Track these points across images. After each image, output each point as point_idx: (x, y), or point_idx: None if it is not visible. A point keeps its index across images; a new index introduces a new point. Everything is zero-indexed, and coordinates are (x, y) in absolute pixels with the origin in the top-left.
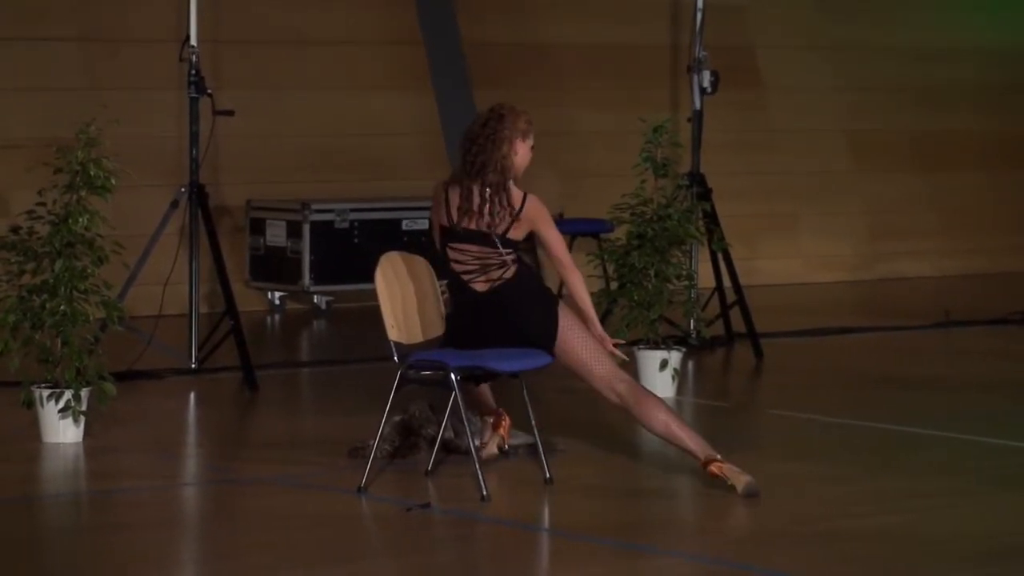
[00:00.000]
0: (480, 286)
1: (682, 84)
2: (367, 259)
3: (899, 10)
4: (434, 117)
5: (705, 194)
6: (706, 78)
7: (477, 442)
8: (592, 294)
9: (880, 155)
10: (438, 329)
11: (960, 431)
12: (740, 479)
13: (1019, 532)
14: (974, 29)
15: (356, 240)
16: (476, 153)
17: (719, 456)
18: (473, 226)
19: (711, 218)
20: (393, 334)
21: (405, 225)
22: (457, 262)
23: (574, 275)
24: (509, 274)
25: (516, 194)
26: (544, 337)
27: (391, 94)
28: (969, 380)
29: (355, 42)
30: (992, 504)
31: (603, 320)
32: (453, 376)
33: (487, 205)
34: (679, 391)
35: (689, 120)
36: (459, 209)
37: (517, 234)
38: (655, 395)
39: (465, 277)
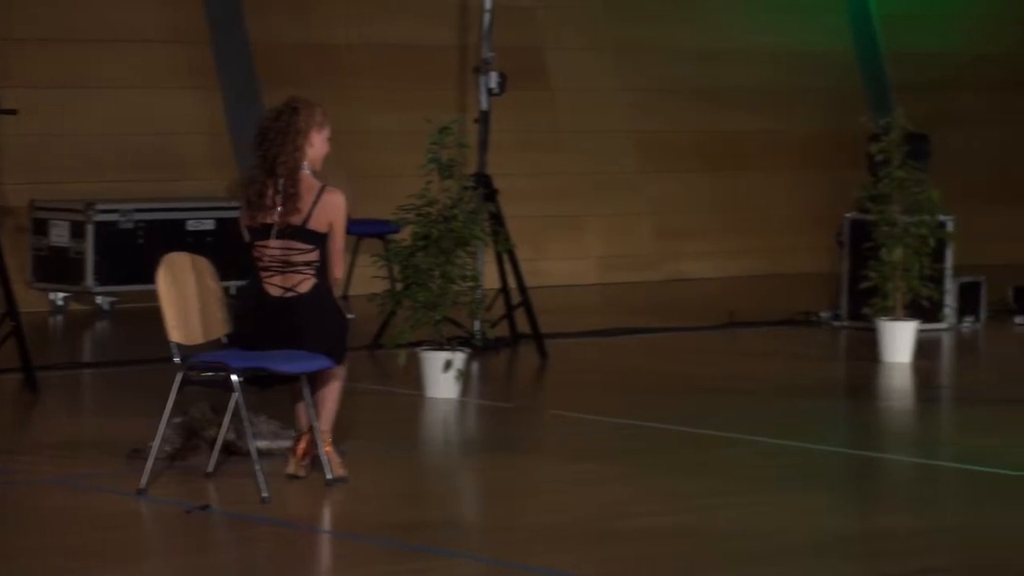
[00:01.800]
0: (274, 290)
1: (469, 85)
2: (152, 260)
3: (684, 12)
4: (221, 117)
5: (491, 195)
6: (493, 79)
7: (258, 443)
8: (377, 295)
9: (665, 156)
10: (221, 330)
11: (741, 432)
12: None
13: (795, 531)
14: (757, 32)
15: (141, 241)
16: (268, 147)
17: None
18: (270, 220)
19: (496, 219)
20: (174, 335)
21: (190, 226)
22: (259, 259)
23: (339, 268)
24: (304, 288)
25: (313, 184)
26: (327, 350)
27: (177, 93)
28: (751, 381)
29: (141, 41)
30: (770, 504)
31: (387, 322)
32: (234, 378)
33: (280, 196)
34: (463, 392)
35: (476, 121)
36: (254, 206)
37: (319, 225)
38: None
39: (264, 275)
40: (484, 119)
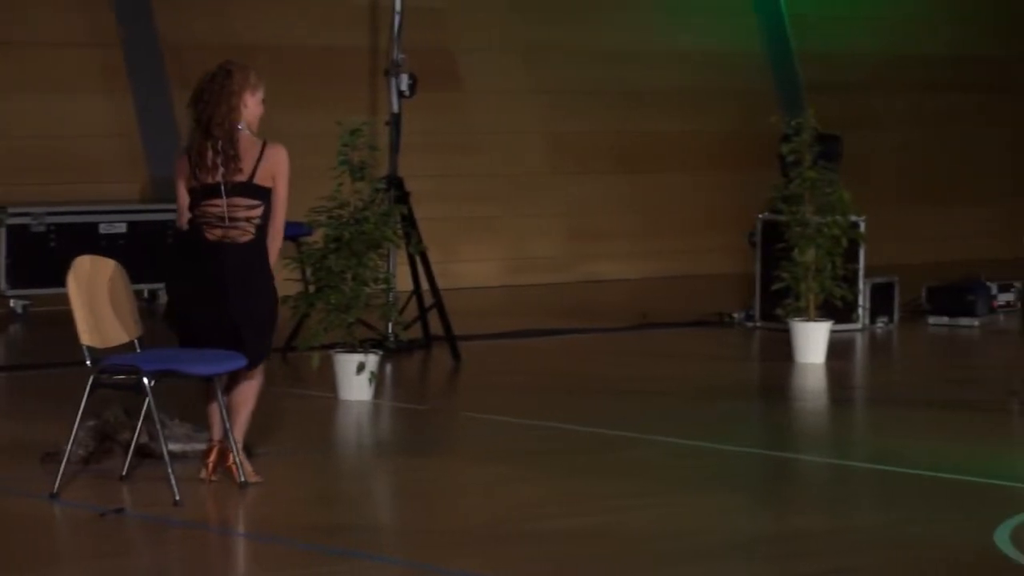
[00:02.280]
0: (212, 236)
1: (380, 87)
2: (64, 263)
3: (596, 13)
4: (132, 119)
5: (403, 197)
6: (404, 81)
7: (172, 446)
8: (290, 297)
9: (578, 157)
10: (132, 333)
11: (656, 433)
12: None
13: (711, 531)
14: (669, 33)
15: (53, 244)
16: (203, 109)
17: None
18: (211, 180)
19: (409, 221)
20: (86, 338)
21: (102, 229)
22: (201, 216)
23: (278, 240)
24: (244, 238)
25: (253, 142)
26: (249, 321)
27: (88, 96)
28: (665, 382)
29: (51, 43)
30: (684, 505)
31: (300, 324)
32: (146, 380)
33: (220, 157)
34: (376, 394)
35: (387, 123)
36: (196, 167)
37: (263, 180)
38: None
39: (204, 227)
40: (395, 121)
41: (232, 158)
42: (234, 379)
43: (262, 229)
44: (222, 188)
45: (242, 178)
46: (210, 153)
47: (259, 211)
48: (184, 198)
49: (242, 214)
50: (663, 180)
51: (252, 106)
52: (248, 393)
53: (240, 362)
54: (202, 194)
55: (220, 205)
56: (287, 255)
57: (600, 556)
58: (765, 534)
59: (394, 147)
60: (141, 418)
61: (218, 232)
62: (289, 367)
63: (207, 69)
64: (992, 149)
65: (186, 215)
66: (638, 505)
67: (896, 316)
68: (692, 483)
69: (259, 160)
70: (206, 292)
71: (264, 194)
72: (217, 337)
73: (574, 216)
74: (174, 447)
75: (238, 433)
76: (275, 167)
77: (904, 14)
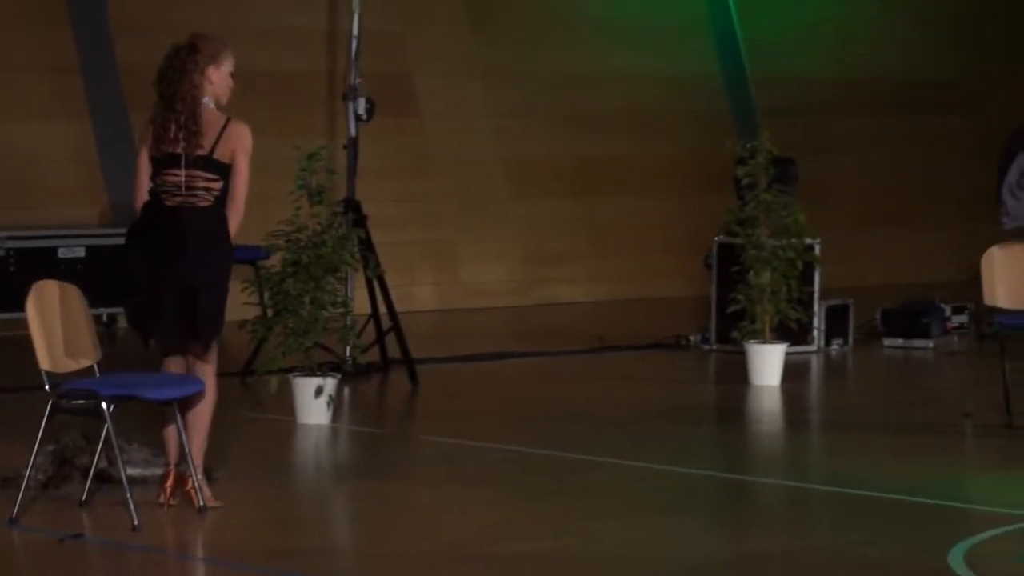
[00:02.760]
0: (171, 201)
1: (338, 111)
2: (23, 287)
3: (553, 37)
4: (91, 145)
5: (360, 221)
6: (361, 105)
7: (131, 471)
8: (248, 321)
9: (535, 181)
10: (91, 357)
11: (613, 456)
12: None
13: (669, 555)
14: (625, 57)
15: (12, 268)
16: (166, 84)
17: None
18: (172, 151)
19: (366, 245)
20: (44, 363)
21: (61, 253)
22: (162, 185)
23: (237, 218)
24: (203, 203)
25: (217, 117)
26: (206, 285)
27: (47, 122)
28: (622, 405)
29: (9, 69)
30: (644, 527)
31: (258, 348)
32: (104, 405)
33: (182, 132)
34: (334, 418)
35: (345, 147)
36: (159, 139)
37: (223, 155)
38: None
39: (163, 196)
40: (353, 145)
41: (194, 133)
42: (189, 397)
43: (221, 200)
44: (183, 159)
45: (203, 152)
46: (173, 127)
47: (218, 184)
48: (144, 165)
49: (201, 184)
50: (619, 203)
51: (217, 80)
52: (203, 409)
53: (198, 386)
54: (163, 163)
55: (179, 175)
56: (244, 278)
57: (563, 574)
58: (725, 556)
59: (352, 171)
60: (100, 443)
61: (177, 199)
62: (248, 391)
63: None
64: (945, 172)
65: (144, 185)
66: (598, 528)
67: (851, 338)
68: (651, 506)
69: (220, 136)
70: (164, 256)
71: (223, 169)
72: (171, 306)
73: (531, 240)
74: (133, 472)
75: (196, 456)
76: (235, 143)
77: (860, 38)
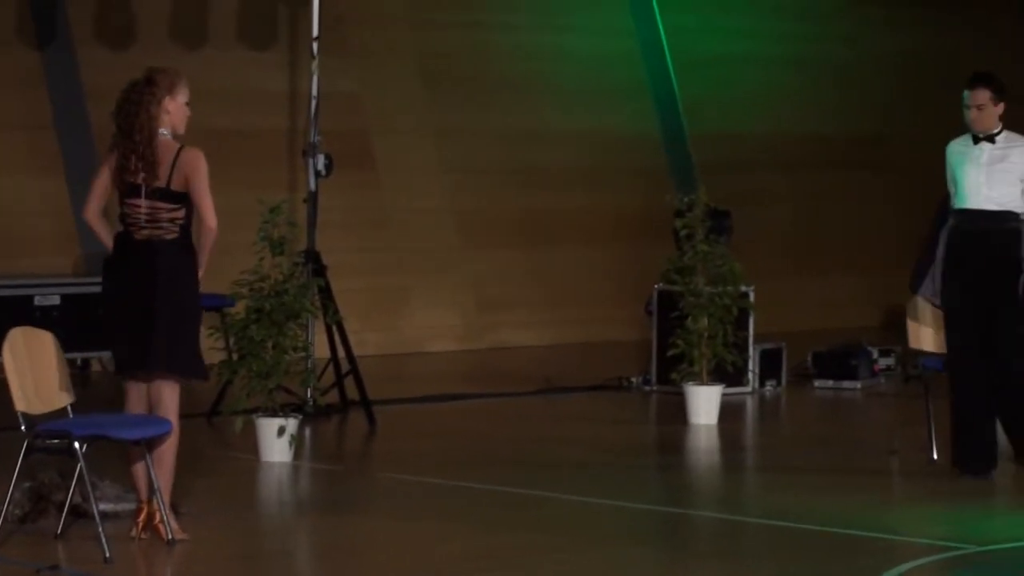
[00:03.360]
0: (140, 234)
1: (299, 167)
2: (0, 333)
3: (501, 97)
4: (65, 198)
5: (320, 270)
6: (321, 161)
7: (103, 506)
8: (214, 365)
9: (485, 232)
10: (64, 400)
11: (560, 491)
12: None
13: None
14: (570, 116)
15: None
16: (124, 116)
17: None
18: (136, 181)
19: (326, 293)
20: (20, 405)
21: (37, 301)
22: (128, 215)
23: (210, 233)
24: (169, 236)
25: (171, 147)
26: (171, 315)
27: (23, 176)
28: (569, 444)
29: None
30: (592, 558)
31: (224, 390)
32: (77, 445)
33: (141, 162)
34: (296, 456)
35: (305, 201)
36: (121, 169)
37: (178, 185)
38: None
39: (131, 228)
40: (312, 199)
41: (151, 164)
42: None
43: (186, 228)
44: (143, 190)
45: (160, 184)
46: (132, 157)
47: (180, 212)
48: (102, 182)
49: (165, 216)
50: (565, 253)
51: (174, 110)
52: (167, 448)
53: (166, 426)
54: (126, 193)
55: (141, 205)
56: (210, 324)
57: None
58: None
59: (312, 223)
60: (74, 480)
61: (145, 232)
62: (214, 430)
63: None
64: (871, 223)
65: (96, 197)
66: (546, 560)
67: (784, 380)
68: (598, 538)
69: (173, 166)
70: (135, 289)
71: (181, 198)
72: (133, 330)
73: (481, 287)
74: (105, 507)
75: (164, 491)
76: (188, 170)
77: (787, 99)
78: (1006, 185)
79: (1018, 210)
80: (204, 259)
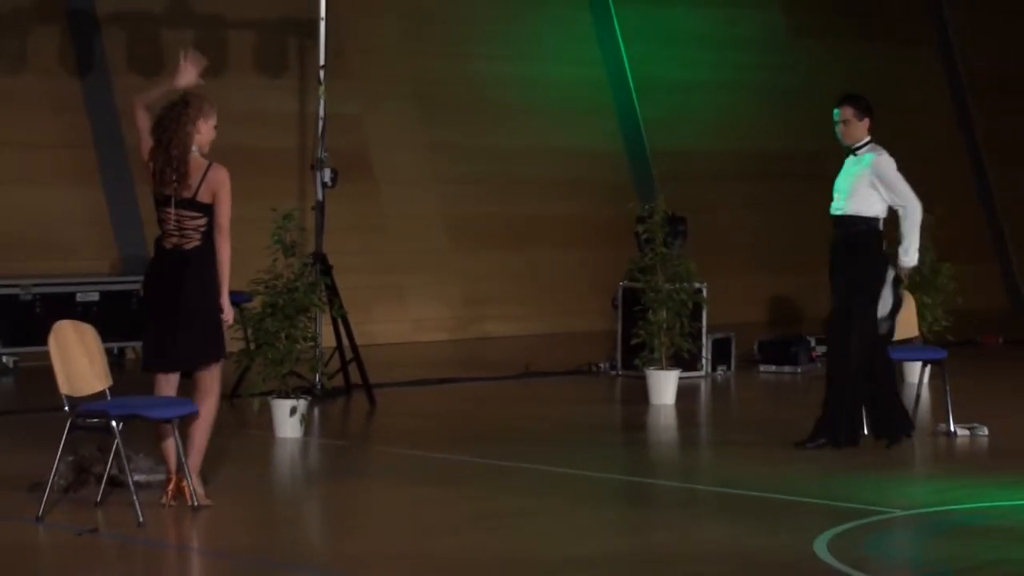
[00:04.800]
0: (169, 243)
1: (307, 179)
2: (47, 326)
3: (486, 117)
4: (103, 208)
5: (327, 270)
6: (327, 174)
7: (137, 477)
8: (233, 354)
9: (473, 236)
10: (103, 384)
11: (536, 462)
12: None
13: (583, 543)
14: (546, 134)
15: (38, 310)
16: (163, 131)
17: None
18: (169, 192)
19: (332, 290)
20: (64, 388)
21: (79, 297)
22: (162, 221)
23: (226, 244)
24: (192, 244)
25: (200, 163)
26: (194, 316)
27: (67, 189)
28: (545, 421)
29: (36, 146)
30: (562, 521)
31: (243, 376)
32: (114, 423)
33: (175, 174)
34: (306, 432)
35: (313, 209)
36: (157, 179)
37: (205, 197)
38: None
39: (163, 236)
40: (320, 207)
41: (183, 175)
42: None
43: (208, 236)
44: (173, 200)
45: (188, 194)
46: (168, 170)
47: (203, 221)
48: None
49: (189, 224)
50: (542, 254)
51: (205, 131)
52: (202, 423)
53: (192, 408)
54: (160, 201)
55: (171, 214)
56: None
57: (497, 561)
58: (630, 546)
59: (319, 229)
60: (111, 454)
61: (173, 240)
62: (234, 411)
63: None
64: (810, 227)
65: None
66: (521, 522)
67: (733, 365)
68: (571, 503)
69: (202, 180)
70: (164, 293)
71: (206, 208)
72: (162, 332)
73: (469, 284)
74: (139, 478)
75: (194, 461)
76: (215, 185)
77: (740, 118)
78: (862, 192)
79: (874, 215)
80: (226, 278)
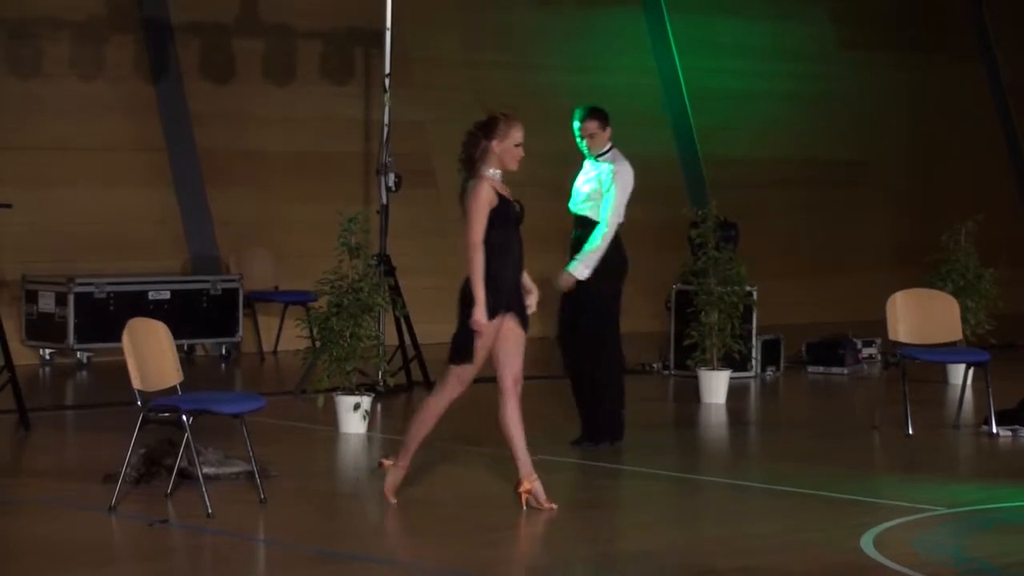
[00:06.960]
0: None
1: (372, 184)
2: (120, 323)
3: (543, 124)
4: (175, 209)
5: (390, 271)
6: (391, 179)
7: (206, 470)
8: (299, 351)
9: (529, 239)
10: (174, 379)
11: (593, 459)
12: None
13: (635, 539)
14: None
15: (111, 307)
16: (463, 151)
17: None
18: None
19: (395, 290)
20: (137, 383)
21: (151, 296)
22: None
23: (475, 258)
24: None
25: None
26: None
27: (141, 190)
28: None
29: (111, 149)
30: (615, 516)
31: (308, 372)
32: (184, 418)
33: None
34: (369, 427)
35: (378, 212)
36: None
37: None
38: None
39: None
40: (384, 211)
41: (460, 195)
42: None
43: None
44: None
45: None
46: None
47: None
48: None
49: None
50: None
51: (500, 151)
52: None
53: (259, 402)
54: None
55: None
56: (297, 317)
57: (554, 553)
58: (682, 540)
59: (383, 231)
60: (182, 447)
61: None
62: (300, 406)
63: (233, 169)
64: (856, 233)
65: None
66: (578, 516)
67: (782, 366)
68: (622, 499)
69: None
70: None
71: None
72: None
73: None
74: (208, 471)
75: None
76: (468, 198)
77: (789, 127)
78: (591, 197)
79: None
80: (479, 293)
